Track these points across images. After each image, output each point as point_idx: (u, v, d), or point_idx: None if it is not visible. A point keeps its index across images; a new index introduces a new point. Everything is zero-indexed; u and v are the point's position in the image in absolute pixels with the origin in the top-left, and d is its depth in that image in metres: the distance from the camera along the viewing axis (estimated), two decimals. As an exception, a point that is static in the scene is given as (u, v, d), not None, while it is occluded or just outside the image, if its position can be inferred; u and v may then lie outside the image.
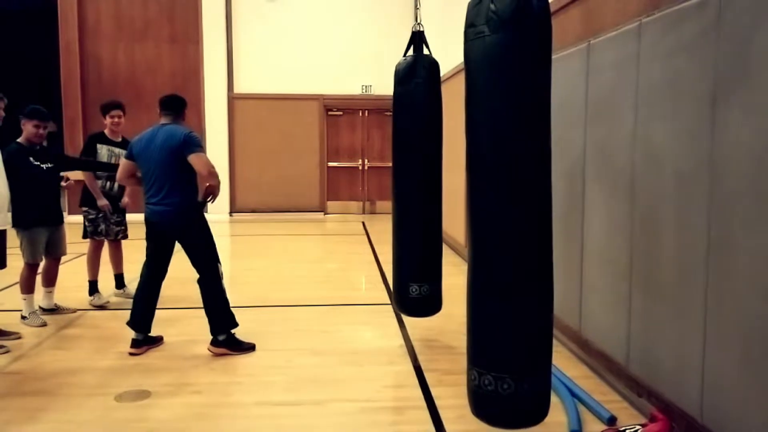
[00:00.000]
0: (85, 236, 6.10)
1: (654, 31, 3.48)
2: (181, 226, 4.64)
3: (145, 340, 4.79)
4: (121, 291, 6.35)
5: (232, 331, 4.77)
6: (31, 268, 5.37)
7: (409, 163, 4.51)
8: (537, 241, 2.73)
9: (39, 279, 5.59)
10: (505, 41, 2.63)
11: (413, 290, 4.55)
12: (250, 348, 4.77)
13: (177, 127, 4.62)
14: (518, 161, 2.67)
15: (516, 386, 2.63)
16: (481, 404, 2.77)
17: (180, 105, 4.74)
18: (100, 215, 6.03)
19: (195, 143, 4.54)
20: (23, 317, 5.37)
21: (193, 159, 4.47)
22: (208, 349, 4.70)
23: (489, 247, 2.73)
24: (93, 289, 6.11)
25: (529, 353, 2.70)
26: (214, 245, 4.73)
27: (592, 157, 4.29)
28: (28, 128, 5.26)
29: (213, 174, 4.49)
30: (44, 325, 5.35)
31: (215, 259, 4.70)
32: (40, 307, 5.59)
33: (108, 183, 6.06)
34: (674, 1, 3.29)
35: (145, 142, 4.63)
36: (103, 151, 5.98)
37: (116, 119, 6.05)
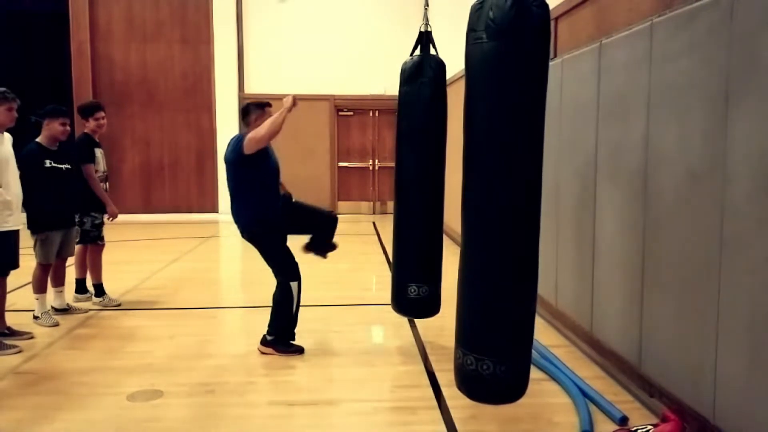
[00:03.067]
0: (86, 242, 5.98)
1: (666, 31, 3.47)
2: (247, 234, 4.62)
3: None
4: (85, 296, 6.25)
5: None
6: (43, 269, 5.40)
7: (411, 163, 4.49)
8: (525, 237, 2.91)
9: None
10: (501, 49, 2.77)
11: (412, 291, 4.51)
12: (297, 350, 4.67)
13: (237, 137, 4.60)
14: (507, 163, 2.82)
15: (495, 368, 2.88)
16: (463, 381, 3.06)
17: (246, 113, 4.68)
18: (106, 219, 6.05)
19: (246, 136, 4.43)
20: (35, 317, 5.40)
21: (247, 138, 4.37)
22: (258, 349, 4.68)
23: (478, 239, 2.94)
24: (100, 291, 6.12)
25: (510, 339, 2.92)
26: (283, 260, 4.64)
27: (603, 157, 4.28)
28: (54, 126, 5.34)
29: (270, 126, 4.35)
30: (56, 325, 5.38)
31: (286, 273, 4.62)
32: (52, 307, 5.62)
33: (105, 185, 6.09)
34: (686, 1, 3.28)
35: None
36: (99, 155, 5.99)
37: (101, 121, 6.02)
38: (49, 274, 5.49)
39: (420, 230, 4.52)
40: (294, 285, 4.60)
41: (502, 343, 2.91)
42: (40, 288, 5.42)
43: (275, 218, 4.61)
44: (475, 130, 2.91)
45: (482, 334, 2.94)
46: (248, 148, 4.38)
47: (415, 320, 5.40)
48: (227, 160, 4.57)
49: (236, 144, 4.49)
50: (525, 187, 2.88)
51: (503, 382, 2.92)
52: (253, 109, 4.66)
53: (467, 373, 2.98)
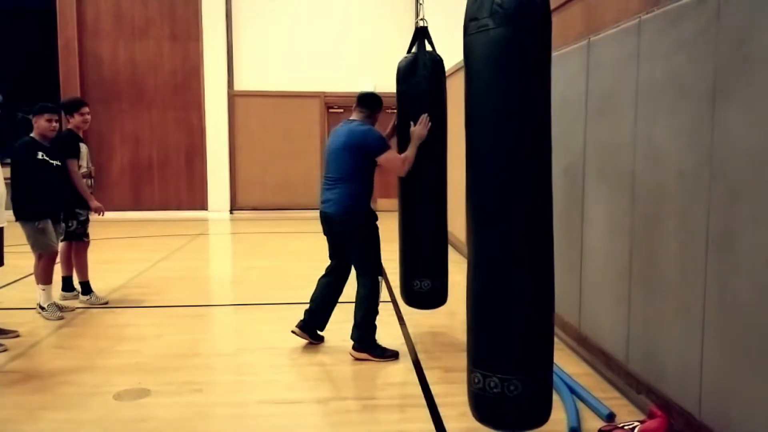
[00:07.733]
0: (70, 239, 5.93)
1: (654, 29, 3.47)
2: (342, 222, 4.51)
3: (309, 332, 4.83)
4: (87, 297, 6.13)
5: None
6: (49, 258, 5.39)
7: (414, 162, 4.52)
8: (538, 239, 2.73)
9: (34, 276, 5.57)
10: (510, 35, 2.59)
11: (416, 285, 4.69)
12: (393, 355, 4.55)
13: (360, 124, 4.49)
14: (520, 157, 2.66)
15: (522, 388, 2.59)
16: (485, 409, 2.73)
17: (375, 104, 4.58)
18: (91, 215, 6.01)
19: (381, 144, 4.42)
20: (42, 308, 5.41)
21: (382, 161, 4.39)
22: (350, 353, 4.57)
23: (489, 245, 2.71)
24: (87, 289, 6.06)
25: (537, 351, 2.68)
26: (373, 255, 4.58)
27: (592, 154, 4.29)
28: (40, 123, 5.39)
29: (406, 164, 4.41)
30: (62, 318, 5.41)
31: (371, 270, 4.57)
32: (38, 305, 5.58)
33: (89, 181, 6.04)
34: (673, -2, 3.28)
35: (332, 136, 4.61)
36: (84, 150, 5.94)
37: (86, 116, 5.97)
38: (54, 262, 5.47)
39: (421, 227, 4.65)
40: (380, 279, 4.61)
41: (529, 358, 2.64)
42: (45, 279, 5.43)
43: (373, 211, 4.61)
44: (482, 123, 2.74)
45: (506, 350, 2.64)
46: (389, 164, 4.42)
47: (405, 318, 5.42)
48: (349, 147, 4.43)
49: (366, 137, 4.41)
50: (538, 187, 2.72)
51: (533, 403, 2.66)
52: (379, 106, 4.59)
53: (491, 398, 2.63)
